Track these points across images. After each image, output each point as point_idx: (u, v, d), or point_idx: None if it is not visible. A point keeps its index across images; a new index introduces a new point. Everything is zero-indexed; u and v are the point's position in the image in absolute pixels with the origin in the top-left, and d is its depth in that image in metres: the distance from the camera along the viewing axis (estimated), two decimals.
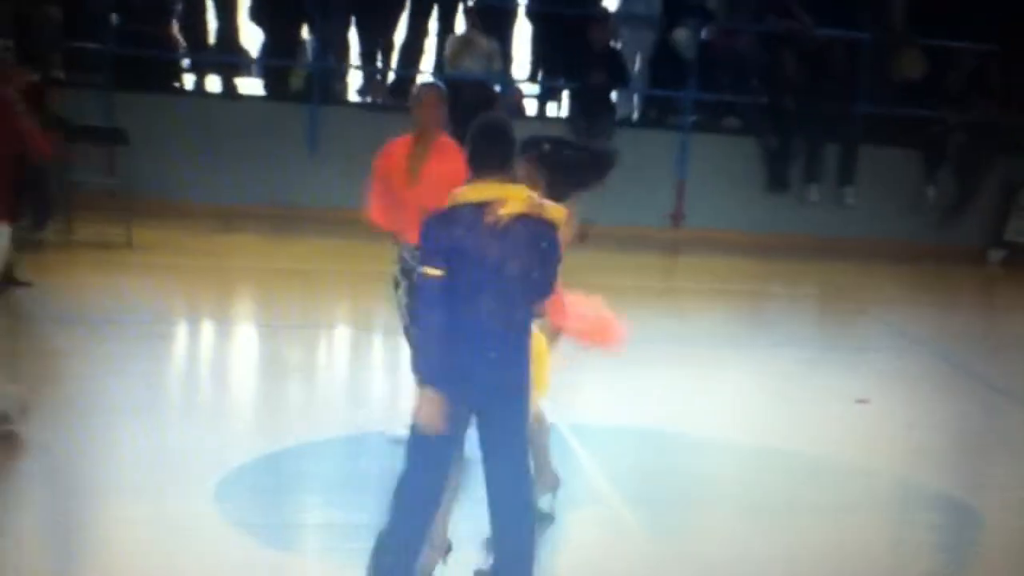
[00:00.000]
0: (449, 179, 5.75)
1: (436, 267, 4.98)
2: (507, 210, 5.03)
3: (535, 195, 5.19)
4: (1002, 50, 16.93)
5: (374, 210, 7.62)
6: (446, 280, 4.97)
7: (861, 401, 9.26)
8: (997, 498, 8.04)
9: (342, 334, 11.28)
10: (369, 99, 16.37)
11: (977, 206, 16.77)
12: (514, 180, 5.22)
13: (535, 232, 5.11)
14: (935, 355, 11.54)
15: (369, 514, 6.11)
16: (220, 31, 16.02)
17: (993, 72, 16.93)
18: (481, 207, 5.03)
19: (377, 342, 10.76)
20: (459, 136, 15.52)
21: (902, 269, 15.40)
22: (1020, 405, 10.18)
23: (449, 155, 7.03)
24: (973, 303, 14.98)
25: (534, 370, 5.31)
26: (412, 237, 6.21)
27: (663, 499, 7.30)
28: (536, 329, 5.41)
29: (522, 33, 16.85)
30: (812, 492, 7.59)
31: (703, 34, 16.66)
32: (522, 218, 5.08)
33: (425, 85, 7.97)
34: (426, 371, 5.07)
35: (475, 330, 5.02)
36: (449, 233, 5.00)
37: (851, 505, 7.45)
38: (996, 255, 16.63)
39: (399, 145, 7.46)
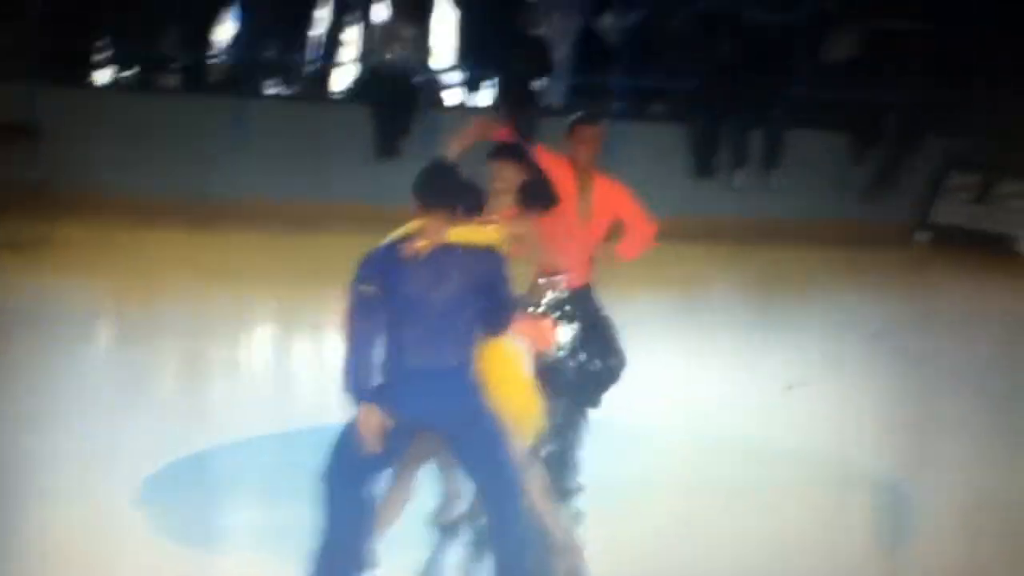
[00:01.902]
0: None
1: (370, 286, 5.09)
2: (425, 241, 5.10)
3: (468, 224, 5.21)
4: (935, 31, 17.14)
5: None
6: (379, 299, 5.07)
7: (793, 386, 9.37)
8: (933, 478, 8.16)
9: (269, 330, 11.21)
10: (289, 91, 16.26)
11: (905, 186, 16.96)
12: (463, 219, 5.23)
13: (468, 261, 5.15)
14: (868, 336, 11.65)
15: (299, 513, 6.00)
16: (141, 24, 15.84)
17: (925, 53, 17.10)
18: (404, 242, 5.14)
19: (304, 338, 10.70)
20: (383, 132, 15.58)
21: (832, 251, 15.52)
22: (952, 385, 10.32)
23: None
24: (904, 283, 15.08)
25: (515, 407, 5.38)
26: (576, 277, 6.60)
27: (603, 486, 7.22)
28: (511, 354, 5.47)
29: (443, 21, 16.80)
30: (750, 475, 7.65)
31: (630, 19, 16.69)
32: (450, 248, 5.13)
33: (579, 119, 7.26)
34: (354, 385, 5.12)
35: (409, 358, 5.10)
36: (379, 268, 5.11)
37: (789, 487, 7.53)
38: (924, 235, 16.84)
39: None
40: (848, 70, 17.05)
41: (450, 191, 5.26)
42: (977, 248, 16.23)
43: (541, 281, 6.52)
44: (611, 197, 7.04)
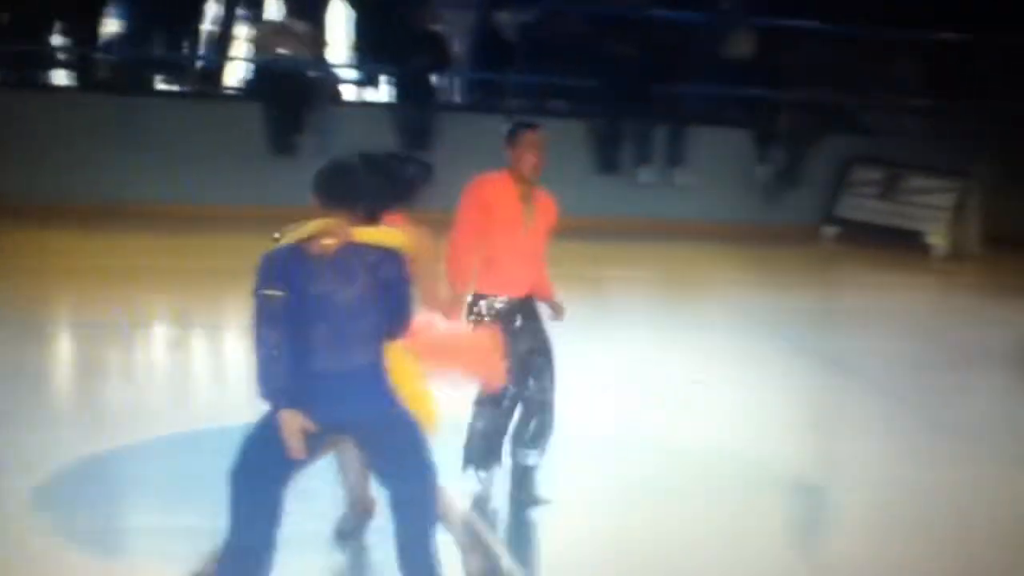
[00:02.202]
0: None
1: (275, 290, 4.95)
2: (330, 241, 4.99)
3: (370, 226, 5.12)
4: (833, 28, 17.25)
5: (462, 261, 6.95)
6: (286, 303, 4.95)
7: (697, 381, 9.38)
8: (841, 475, 8.21)
9: (165, 333, 11.00)
10: (181, 88, 15.96)
11: (809, 184, 17.09)
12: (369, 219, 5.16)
13: (371, 262, 5.06)
14: (774, 334, 11.70)
15: (199, 516, 6.01)
16: (26, 19, 15.46)
17: (824, 51, 17.20)
18: (309, 242, 5.01)
19: (200, 340, 10.52)
20: (278, 129, 15.33)
21: (737, 248, 15.58)
22: (859, 382, 10.38)
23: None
24: (809, 281, 15.16)
25: (416, 405, 5.33)
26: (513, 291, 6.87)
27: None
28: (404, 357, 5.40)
29: (339, 16, 16.60)
30: (659, 474, 7.64)
31: (529, 15, 16.60)
32: (356, 248, 5.04)
33: (524, 124, 7.20)
34: (269, 391, 4.99)
35: (319, 361, 5.01)
36: (283, 270, 4.98)
37: (698, 486, 7.54)
38: (829, 232, 16.96)
39: (502, 185, 7.00)
40: (748, 68, 17.12)
41: (351, 190, 5.17)
42: (884, 244, 16.37)
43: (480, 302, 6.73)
44: (547, 207, 7.06)
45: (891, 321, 12.97)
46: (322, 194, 5.14)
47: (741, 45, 17.19)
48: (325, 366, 5.01)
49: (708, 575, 6.53)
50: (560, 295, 7.18)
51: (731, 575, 6.54)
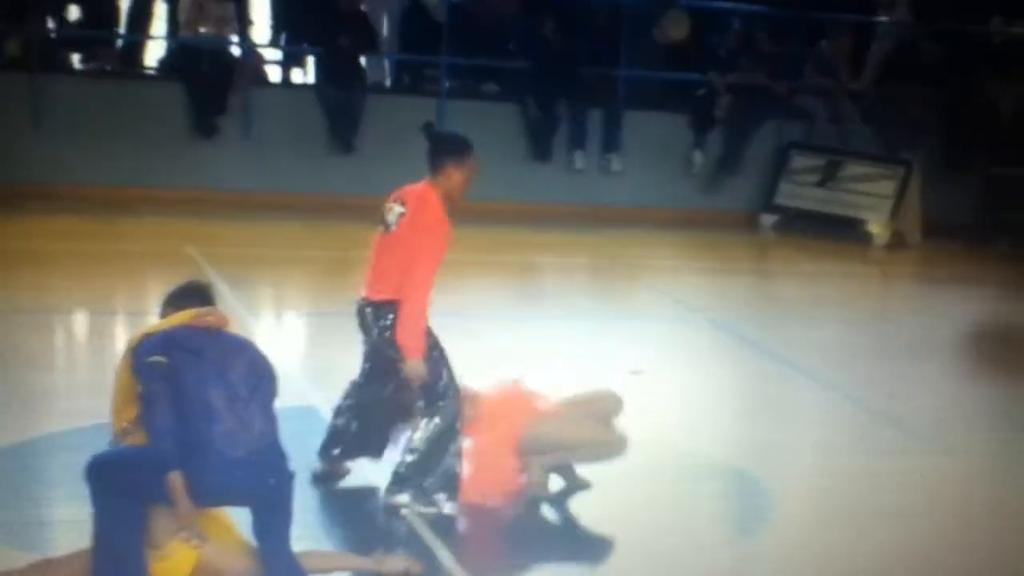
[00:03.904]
0: None
1: (160, 356, 5.22)
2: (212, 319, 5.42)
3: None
4: (772, 11, 17.42)
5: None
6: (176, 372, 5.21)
7: (635, 372, 9.39)
8: (779, 465, 8.22)
9: (78, 319, 10.91)
10: (97, 67, 15.87)
11: (748, 171, 17.23)
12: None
13: (244, 350, 5.46)
14: (711, 323, 11.76)
15: None
16: None
17: (760, 34, 17.36)
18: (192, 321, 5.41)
19: (116, 326, 10.44)
20: (199, 110, 15.25)
21: (674, 236, 15.69)
22: (797, 371, 10.42)
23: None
24: (747, 269, 15.24)
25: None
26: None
27: None
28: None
29: None
30: (594, 464, 7.53)
31: None
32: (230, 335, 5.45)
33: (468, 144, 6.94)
34: (165, 457, 5.19)
35: (220, 438, 5.23)
36: (167, 347, 5.28)
37: (634, 476, 7.49)
38: (768, 220, 17.10)
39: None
40: (684, 51, 17.24)
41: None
42: (824, 233, 16.50)
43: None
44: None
45: (830, 310, 13.04)
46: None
47: (676, 28, 17.25)
48: (224, 442, 5.21)
49: (644, 564, 6.55)
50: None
51: (667, 564, 6.57)
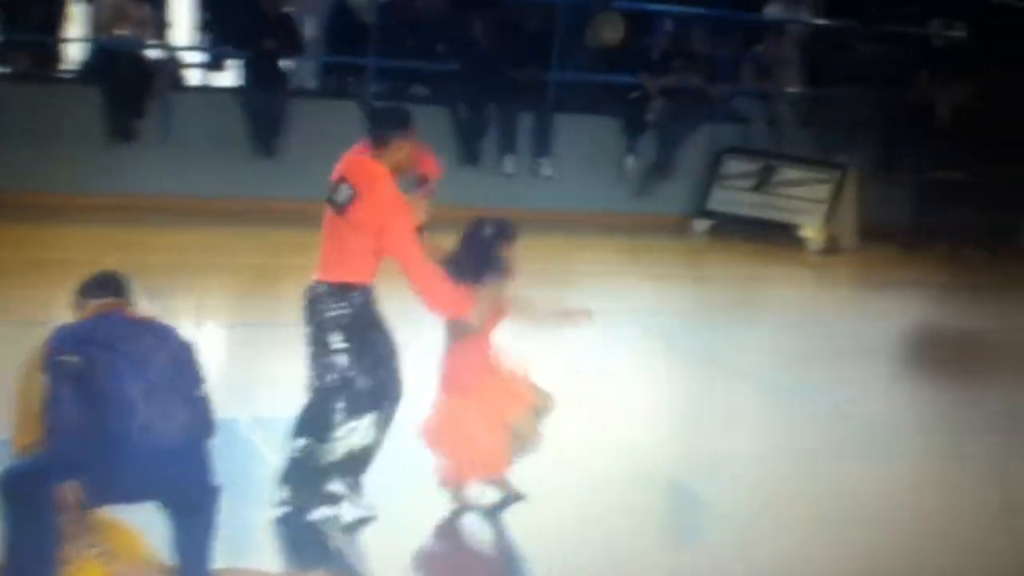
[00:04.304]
0: None
1: (71, 353, 5.14)
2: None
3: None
4: (704, 13, 17.41)
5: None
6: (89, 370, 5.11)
7: (570, 376, 9.29)
8: (715, 474, 8.24)
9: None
10: (9, 70, 15.60)
11: (680, 175, 17.15)
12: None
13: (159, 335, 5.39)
14: (644, 329, 11.77)
15: None
16: None
17: (694, 38, 17.32)
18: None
19: (24, 338, 10.25)
20: (116, 115, 14.96)
21: (606, 241, 15.61)
22: (734, 378, 10.49)
23: None
24: (680, 275, 15.24)
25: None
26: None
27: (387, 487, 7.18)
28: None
29: None
30: (530, 472, 7.50)
31: None
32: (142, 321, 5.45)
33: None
34: (63, 464, 5.10)
35: (136, 432, 5.15)
36: (80, 341, 5.22)
37: (569, 485, 7.58)
38: (701, 225, 17.03)
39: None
40: (617, 53, 17.18)
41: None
42: (758, 238, 16.49)
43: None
44: None
45: (766, 315, 13.13)
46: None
47: (610, 30, 17.19)
48: (138, 437, 5.11)
49: (582, 574, 6.55)
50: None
51: (605, 574, 6.57)
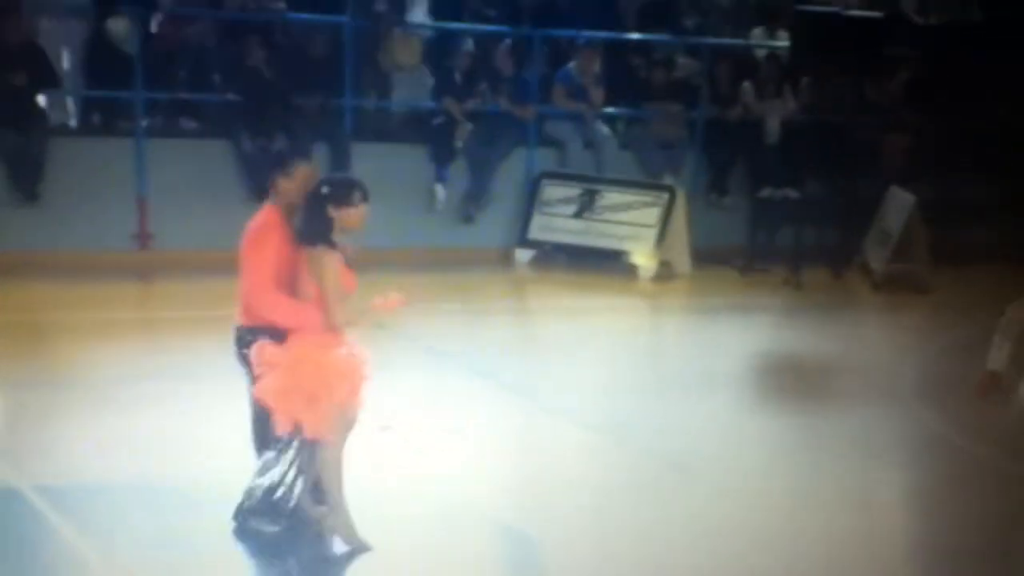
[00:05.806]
0: None
1: None
2: None
3: None
4: (506, 30, 17.10)
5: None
6: None
7: (384, 427, 9.14)
8: (542, 511, 8.22)
9: None
10: None
11: (498, 204, 16.73)
12: None
13: None
14: (467, 368, 11.59)
15: None
16: None
17: (500, 57, 16.95)
18: None
19: None
20: None
21: (421, 278, 15.04)
22: (565, 420, 10.31)
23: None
24: (503, 308, 14.94)
25: None
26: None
27: (168, 565, 7.08)
28: None
29: None
30: (361, 523, 7.42)
31: (150, 25, 15.74)
32: None
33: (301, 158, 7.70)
34: None
35: None
36: None
37: (395, 533, 7.54)
38: (523, 255, 16.59)
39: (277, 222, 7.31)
40: (418, 77, 16.81)
41: None
42: (585, 267, 16.20)
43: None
44: None
45: (593, 348, 12.90)
46: None
47: (404, 52, 16.75)
48: None
49: None
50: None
51: None
